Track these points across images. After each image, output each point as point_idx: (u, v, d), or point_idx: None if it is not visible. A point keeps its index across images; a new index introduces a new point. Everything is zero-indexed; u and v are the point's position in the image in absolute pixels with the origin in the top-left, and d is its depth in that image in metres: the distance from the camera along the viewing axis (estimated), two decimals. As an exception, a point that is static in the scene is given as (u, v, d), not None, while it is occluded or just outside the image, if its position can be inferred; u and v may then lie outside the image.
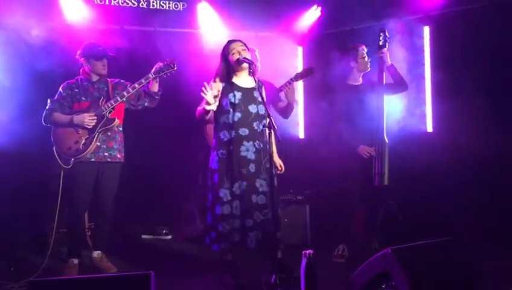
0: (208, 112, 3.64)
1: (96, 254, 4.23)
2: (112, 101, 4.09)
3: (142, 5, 5.36)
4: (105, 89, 4.23)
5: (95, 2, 5.20)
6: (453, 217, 4.60)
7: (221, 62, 3.82)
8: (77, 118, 4.04)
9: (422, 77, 5.03)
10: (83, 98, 4.17)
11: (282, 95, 4.55)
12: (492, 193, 4.57)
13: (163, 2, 5.41)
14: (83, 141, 4.05)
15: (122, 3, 5.29)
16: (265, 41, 5.49)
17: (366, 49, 4.50)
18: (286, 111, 4.63)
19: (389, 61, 4.41)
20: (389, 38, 4.40)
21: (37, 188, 4.68)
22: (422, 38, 5.05)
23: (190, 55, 5.23)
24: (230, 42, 3.83)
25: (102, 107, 4.09)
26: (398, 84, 4.47)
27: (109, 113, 4.11)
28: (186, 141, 5.25)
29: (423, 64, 5.04)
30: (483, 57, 4.66)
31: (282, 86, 4.51)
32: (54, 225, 4.08)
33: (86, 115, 4.04)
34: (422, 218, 4.66)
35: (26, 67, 4.59)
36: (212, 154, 3.78)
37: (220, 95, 3.73)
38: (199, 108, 3.73)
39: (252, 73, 3.66)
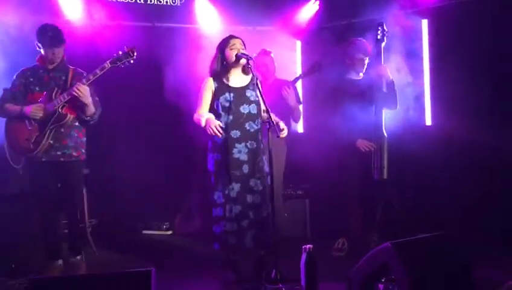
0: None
1: (77, 258, 3.93)
2: (65, 94, 3.66)
3: (139, 0, 5.34)
4: (64, 78, 3.81)
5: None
6: (451, 211, 4.62)
7: (216, 55, 3.72)
8: (28, 109, 3.68)
9: (421, 71, 5.02)
10: (37, 89, 3.77)
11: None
12: (490, 186, 4.57)
13: (160, -3, 5.38)
14: (33, 139, 3.68)
15: (120, -2, 5.27)
16: (264, 36, 5.48)
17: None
18: (293, 115, 4.70)
19: (390, 76, 4.38)
20: (387, 32, 4.36)
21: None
22: (420, 31, 5.04)
23: (188, 50, 5.22)
24: (231, 37, 3.73)
25: (55, 101, 3.68)
26: (389, 100, 4.36)
27: (62, 108, 3.70)
28: (185, 138, 5.24)
29: (421, 58, 5.02)
30: (481, 50, 4.65)
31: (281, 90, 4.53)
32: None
33: (33, 105, 3.68)
34: (421, 211, 4.68)
35: (23, 63, 4.55)
36: (208, 156, 3.74)
37: (212, 97, 3.69)
38: (196, 116, 3.66)
39: (250, 69, 3.61)
